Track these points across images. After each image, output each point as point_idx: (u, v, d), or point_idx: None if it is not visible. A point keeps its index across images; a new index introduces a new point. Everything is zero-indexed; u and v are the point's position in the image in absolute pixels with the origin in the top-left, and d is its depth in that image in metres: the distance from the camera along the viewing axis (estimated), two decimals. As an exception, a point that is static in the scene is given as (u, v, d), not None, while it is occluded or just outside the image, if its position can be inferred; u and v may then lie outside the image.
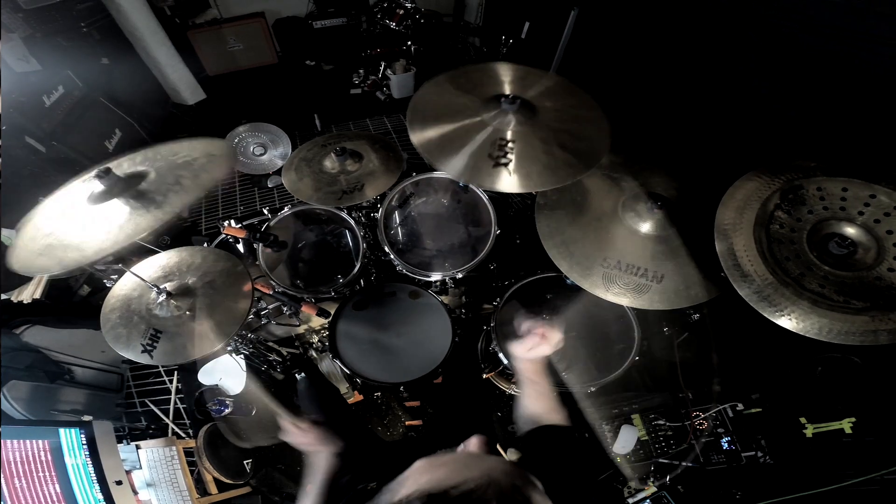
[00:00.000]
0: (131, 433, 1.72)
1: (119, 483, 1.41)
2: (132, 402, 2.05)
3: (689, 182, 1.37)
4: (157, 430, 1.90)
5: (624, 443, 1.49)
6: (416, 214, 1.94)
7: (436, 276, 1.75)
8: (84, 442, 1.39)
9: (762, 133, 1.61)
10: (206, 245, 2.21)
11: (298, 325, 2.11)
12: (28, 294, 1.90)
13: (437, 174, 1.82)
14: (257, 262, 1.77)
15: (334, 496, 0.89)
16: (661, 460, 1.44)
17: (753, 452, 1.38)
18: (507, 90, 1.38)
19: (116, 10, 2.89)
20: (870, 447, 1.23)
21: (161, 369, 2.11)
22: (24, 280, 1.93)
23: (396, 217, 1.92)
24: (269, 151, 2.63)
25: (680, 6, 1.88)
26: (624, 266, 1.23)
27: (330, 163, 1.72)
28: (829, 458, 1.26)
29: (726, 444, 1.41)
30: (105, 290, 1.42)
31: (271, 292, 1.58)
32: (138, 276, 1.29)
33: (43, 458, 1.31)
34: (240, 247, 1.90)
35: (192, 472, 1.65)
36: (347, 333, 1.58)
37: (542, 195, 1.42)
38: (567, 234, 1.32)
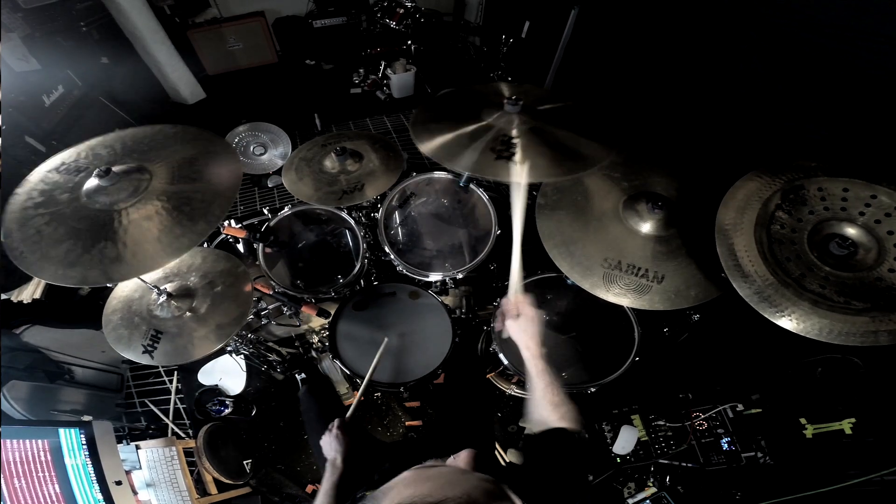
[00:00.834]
0: (131, 433, 1.72)
1: (119, 483, 1.41)
2: (132, 403, 2.05)
3: (689, 182, 1.37)
4: (156, 431, 1.90)
5: (624, 443, 1.49)
6: (416, 214, 1.94)
7: (436, 277, 1.75)
8: (84, 442, 1.39)
9: (762, 133, 1.61)
10: (206, 245, 2.21)
11: (298, 326, 2.11)
12: (28, 294, 1.90)
13: (437, 174, 1.82)
14: (257, 263, 1.77)
15: (342, 498, 0.92)
16: (661, 460, 1.45)
17: (753, 453, 1.39)
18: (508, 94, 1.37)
19: (116, 9, 2.88)
20: (870, 447, 1.23)
21: (161, 369, 2.11)
22: (24, 280, 1.93)
23: (397, 217, 1.92)
24: (269, 151, 2.62)
25: (680, 5, 1.88)
26: (624, 266, 1.23)
27: (330, 163, 1.72)
28: (829, 459, 1.27)
29: (726, 445, 1.42)
30: (106, 291, 1.42)
31: (271, 292, 1.58)
32: (139, 278, 1.29)
33: (43, 459, 1.31)
34: (240, 247, 1.90)
35: (191, 472, 1.65)
36: (347, 334, 1.58)
37: (542, 195, 1.42)
38: (567, 235, 1.32)
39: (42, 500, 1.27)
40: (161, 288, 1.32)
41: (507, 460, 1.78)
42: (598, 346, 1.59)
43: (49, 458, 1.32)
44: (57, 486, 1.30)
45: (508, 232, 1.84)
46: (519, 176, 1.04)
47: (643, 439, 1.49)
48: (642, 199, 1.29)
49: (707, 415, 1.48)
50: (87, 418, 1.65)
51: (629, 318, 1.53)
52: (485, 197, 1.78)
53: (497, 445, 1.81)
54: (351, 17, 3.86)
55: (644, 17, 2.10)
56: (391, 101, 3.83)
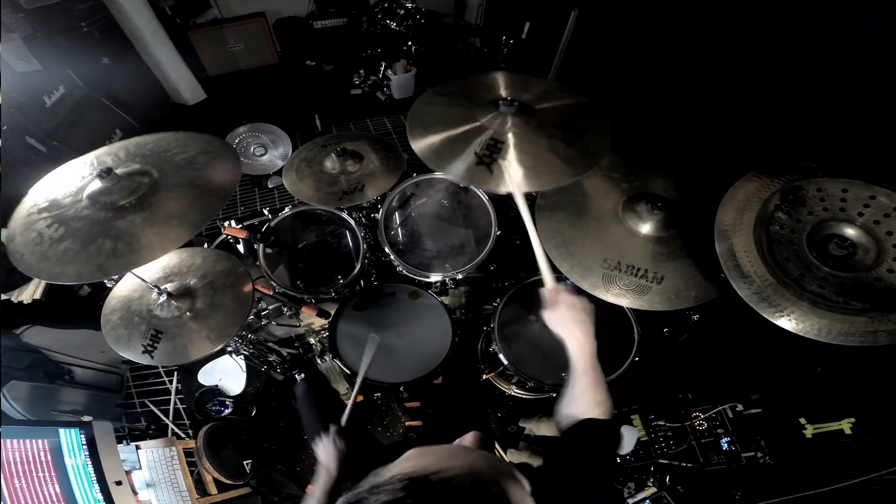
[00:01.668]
0: (131, 433, 1.72)
1: (119, 483, 1.41)
2: (132, 403, 2.05)
3: (689, 183, 1.37)
4: (156, 431, 1.90)
5: (624, 443, 1.49)
6: (416, 215, 1.94)
7: (436, 277, 1.75)
8: (84, 442, 1.40)
9: (762, 133, 1.62)
10: (206, 246, 2.21)
11: (299, 326, 2.11)
12: (28, 294, 1.90)
13: (437, 175, 1.82)
14: (257, 263, 1.77)
15: (334, 498, 0.91)
16: (661, 460, 1.45)
17: (753, 453, 1.39)
18: (504, 94, 1.37)
19: (117, 9, 2.89)
20: (869, 447, 1.23)
21: (161, 370, 2.11)
22: (24, 280, 1.93)
23: (397, 218, 1.92)
24: (270, 152, 2.63)
25: (680, 6, 1.88)
26: (624, 267, 1.23)
27: (330, 163, 1.72)
28: (829, 459, 1.27)
29: (726, 445, 1.42)
30: (105, 291, 1.43)
31: (271, 293, 1.58)
32: (139, 278, 1.29)
33: (43, 459, 1.31)
34: (240, 247, 1.90)
35: (191, 472, 1.65)
36: (347, 334, 1.58)
37: (542, 196, 1.42)
38: (567, 235, 1.32)
39: (42, 500, 1.27)
40: (161, 288, 1.32)
41: (507, 461, 1.78)
42: (597, 346, 1.59)
43: (49, 458, 1.32)
44: (57, 486, 1.30)
45: (508, 232, 1.84)
46: (511, 180, 1.02)
47: (643, 439, 1.49)
48: (642, 200, 1.29)
49: (707, 415, 1.48)
50: (87, 418, 1.65)
51: (629, 318, 1.53)
52: (485, 197, 1.78)
53: (497, 445, 1.81)
54: (351, 17, 3.87)
55: (644, 18, 2.11)
56: (391, 102, 3.84)
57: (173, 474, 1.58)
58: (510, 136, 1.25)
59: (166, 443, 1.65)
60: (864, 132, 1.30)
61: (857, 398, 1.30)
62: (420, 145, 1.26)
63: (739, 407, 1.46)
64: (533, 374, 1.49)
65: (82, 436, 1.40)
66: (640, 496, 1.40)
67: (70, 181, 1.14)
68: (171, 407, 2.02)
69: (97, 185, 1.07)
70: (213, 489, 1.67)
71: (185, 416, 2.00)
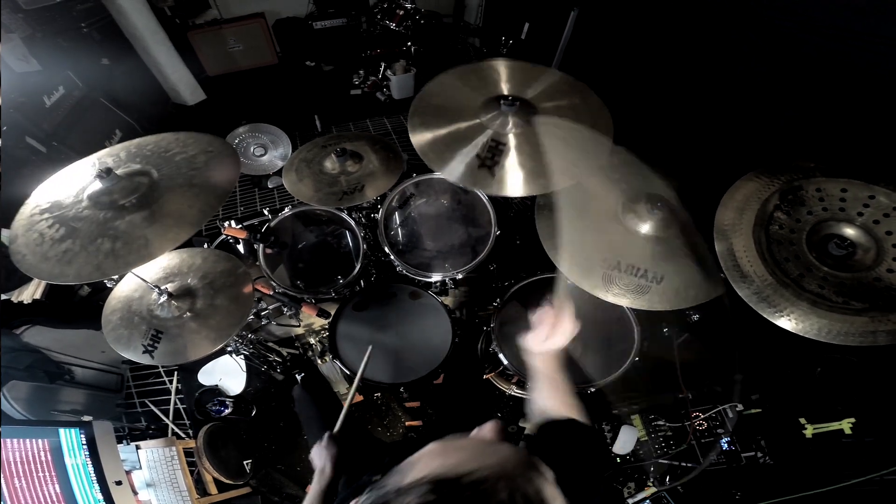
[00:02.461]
0: (131, 433, 1.72)
1: (119, 483, 1.41)
2: (132, 403, 2.05)
3: (689, 182, 1.37)
4: (157, 431, 1.90)
5: (624, 443, 1.49)
6: (416, 215, 1.94)
7: (436, 277, 1.75)
8: (84, 442, 1.39)
9: (762, 133, 1.62)
10: (206, 246, 2.21)
11: (298, 326, 2.11)
12: (28, 294, 1.90)
13: (437, 175, 1.83)
14: (257, 263, 1.77)
15: (329, 498, 0.91)
16: (661, 460, 1.45)
17: (753, 453, 1.39)
18: (506, 89, 1.37)
19: (116, 10, 2.89)
20: (869, 447, 1.23)
21: (161, 369, 2.11)
22: (24, 280, 1.93)
23: (396, 218, 1.93)
24: (270, 152, 2.63)
25: (680, 6, 1.88)
26: (624, 267, 1.23)
27: (330, 164, 1.72)
28: (829, 459, 1.27)
29: (726, 445, 1.42)
30: (106, 291, 1.43)
31: (271, 293, 1.58)
32: (140, 278, 1.29)
33: (43, 458, 1.31)
34: (240, 247, 1.90)
35: (191, 472, 1.65)
36: (347, 334, 1.58)
37: (542, 196, 1.42)
38: (567, 235, 1.32)
39: (42, 500, 1.27)
40: (161, 288, 1.32)
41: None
42: (598, 346, 1.59)
43: (49, 458, 1.32)
44: (57, 486, 1.30)
45: (508, 232, 1.84)
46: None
47: (643, 439, 1.49)
48: (641, 200, 1.29)
49: (707, 415, 1.48)
50: (87, 418, 1.65)
51: (629, 318, 1.53)
52: (485, 197, 1.78)
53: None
54: (351, 18, 3.87)
55: (644, 19, 2.11)
56: (391, 103, 3.84)
57: (173, 474, 1.58)
58: (511, 136, 1.25)
59: (166, 443, 1.65)
60: (864, 132, 1.30)
61: (857, 398, 1.30)
62: (420, 140, 1.27)
63: (740, 407, 1.46)
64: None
65: (82, 436, 1.40)
66: (640, 496, 1.40)
67: (72, 183, 1.14)
68: (171, 407, 2.02)
69: (97, 185, 1.07)
70: (213, 489, 1.67)
71: (185, 416, 2.00)
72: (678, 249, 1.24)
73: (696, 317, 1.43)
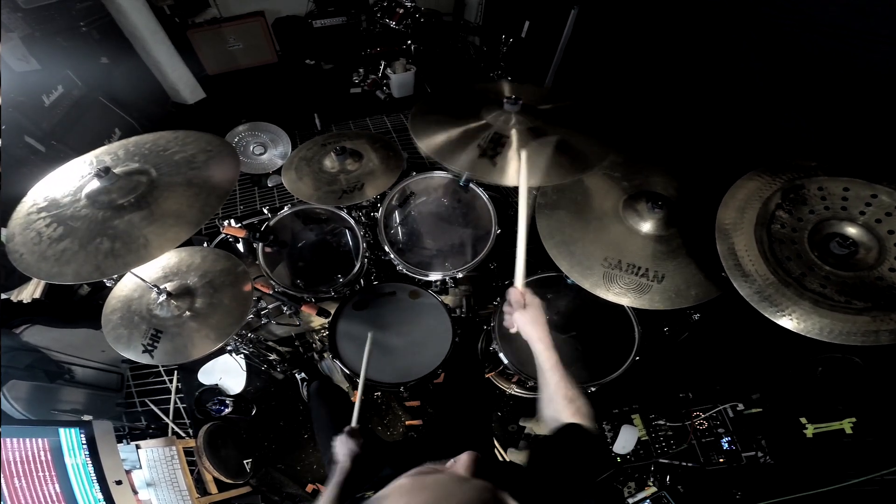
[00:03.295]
0: (131, 433, 1.72)
1: (119, 483, 1.41)
2: (132, 402, 2.05)
3: (689, 182, 1.37)
4: (157, 430, 1.90)
5: (624, 443, 1.49)
6: (416, 214, 1.94)
7: (436, 276, 1.75)
8: (84, 442, 1.39)
9: (762, 132, 1.61)
10: (205, 245, 2.20)
11: (298, 325, 2.11)
12: (28, 294, 1.90)
13: (437, 173, 1.82)
14: (257, 262, 1.77)
15: (345, 496, 0.92)
16: (661, 460, 1.44)
17: (753, 452, 1.38)
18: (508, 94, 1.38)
19: (116, 9, 2.88)
20: (870, 447, 1.23)
21: (161, 369, 2.11)
22: (24, 280, 1.93)
23: (396, 216, 1.92)
24: (269, 151, 2.62)
25: (680, 5, 1.88)
26: (624, 266, 1.23)
27: (330, 162, 1.72)
28: (830, 459, 1.26)
29: (726, 444, 1.41)
30: (105, 290, 1.42)
31: (271, 292, 1.58)
32: (139, 277, 1.29)
33: (43, 458, 1.31)
34: (239, 246, 1.90)
35: (192, 471, 1.65)
36: (347, 333, 1.58)
37: (542, 195, 1.42)
38: (567, 234, 1.32)
39: (42, 499, 1.27)
40: (161, 287, 1.32)
41: (508, 460, 1.78)
42: (598, 346, 1.59)
43: (49, 457, 1.32)
44: (57, 486, 1.30)
45: (509, 231, 1.84)
46: (519, 168, 1.01)
47: (643, 439, 1.49)
48: (642, 199, 1.29)
49: (707, 414, 1.48)
50: (87, 418, 1.66)
51: (629, 317, 1.53)
52: (485, 196, 1.77)
53: (497, 445, 1.81)
54: (351, 16, 3.86)
55: (644, 17, 2.10)
56: (391, 101, 3.83)
57: (173, 473, 1.58)
58: (514, 132, 1.25)
59: (166, 442, 1.65)
60: (865, 131, 1.30)
61: (857, 398, 1.29)
62: (428, 145, 1.28)
63: (740, 406, 1.46)
64: (533, 372, 1.48)
65: (82, 435, 1.40)
66: (640, 496, 1.40)
67: (69, 181, 1.13)
68: (172, 406, 2.02)
69: (95, 184, 1.07)
70: (213, 488, 1.67)
71: (185, 416, 2.00)
72: (679, 248, 1.24)
73: (696, 316, 1.43)
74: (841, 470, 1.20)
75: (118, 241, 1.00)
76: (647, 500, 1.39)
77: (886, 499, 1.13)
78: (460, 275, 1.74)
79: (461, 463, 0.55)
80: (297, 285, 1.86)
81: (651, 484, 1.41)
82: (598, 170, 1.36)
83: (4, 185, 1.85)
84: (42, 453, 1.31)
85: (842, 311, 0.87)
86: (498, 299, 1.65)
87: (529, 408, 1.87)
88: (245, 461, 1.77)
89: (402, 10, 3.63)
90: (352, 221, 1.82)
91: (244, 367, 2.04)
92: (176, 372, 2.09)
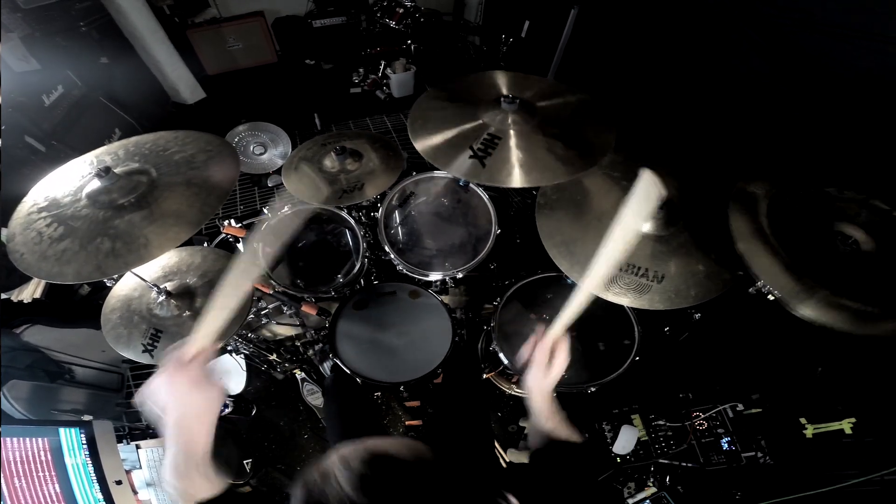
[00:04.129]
0: (131, 433, 1.72)
1: (119, 483, 1.41)
2: (132, 402, 2.05)
3: (689, 182, 1.37)
4: (157, 430, 1.90)
5: (624, 443, 1.49)
6: (416, 214, 1.94)
7: (436, 276, 1.74)
8: (84, 442, 1.39)
9: (762, 132, 1.61)
10: (205, 245, 2.21)
11: (298, 325, 2.11)
12: (28, 294, 1.90)
13: (437, 173, 1.82)
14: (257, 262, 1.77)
15: None
16: (661, 460, 1.44)
17: (753, 453, 1.38)
18: (505, 91, 1.38)
19: (115, 9, 2.88)
20: (870, 447, 1.23)
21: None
22: (24, 280, 1.93)
23: (396, 216, 1.92)
24: (269, 151, 2.62)
25: (680, 5, 1.88)
26: (624, 266, 1.23)
27: (330, 162, 1.72)
28: (829, 459, 1.26)
29: (726, 445, 1.41)
30: (105, 290, 1.42)
31: (271, 292, 1.58)
32: (139, 277, 1.29)
33: (43, 458, 1.31)
34: (240, 246, 1.90)
35: (192, 471, 1.65)
36: (347, 333, 1.58)
37: (542, 195, 1.42)
38: (567, 234, 1.32)
39: (42, 499, 1.27)
40: (161, 286, 1.32)
41: (508, 460, 1.78)
42: (598, 346, 1.59)
43: (49, 457, 1.32)
44: (57, 486, 1.30)
45: (508, 231, 1.84)
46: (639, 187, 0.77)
47: (643, 439, 1.49)
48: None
49: (707, 415, 1.48)
50: (87, 418, 1.66)
51: (629, 317, 1.53)
52: (485, 196, 1.77)
53: (497, 445, 1.81)
54: (350, 16, 3.86)
55: (644, 17, 2.10)
56: (391, 101, 3.83)
57: (173, 474, 1.58)
58: (511, 132, 1.25)
59: (166, 442, 1.65)
60: (865, 131, 1.30)
61: (857, 398, 1.29)
62: (423, 145, 1.27)
63: (740, 407, 1.46)
64: (533, 373, 1.49)
65: (82, 435, 1.40)
66: (640, 496, 1.40)
67: (70, 181, 1.13)
68: (171, 406, 2.02)
69: (96, 184, 1.07)
70: (213, 488, 1.67)
71: (185, 416, 2.00)
72: (679, 248, 1.24)
73: (697, 316, 1.43)
74: (841, 470, 1.20)
75: (119, 240, 1.00)
76: (647, 501, 1.39)
77: (886, 499, 1.13)
78: (460, 275, 1.74)
79: None
80: (298, 285, 1.86)
81: (651, 484, 1.41)
82: (597, 170, 1.36)
83: (4, 185, 1.85)
84: (42, 453, 1.31)
85: (841, 311, 0.88)
86: (498, 299, 1.65)
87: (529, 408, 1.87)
88: (245, 461, 1.77)
89: (401, 10, 3.63)
90: (352, 221, 1.82)
91: (244, 368, 2.04)
92: (176, 372, 2.09)
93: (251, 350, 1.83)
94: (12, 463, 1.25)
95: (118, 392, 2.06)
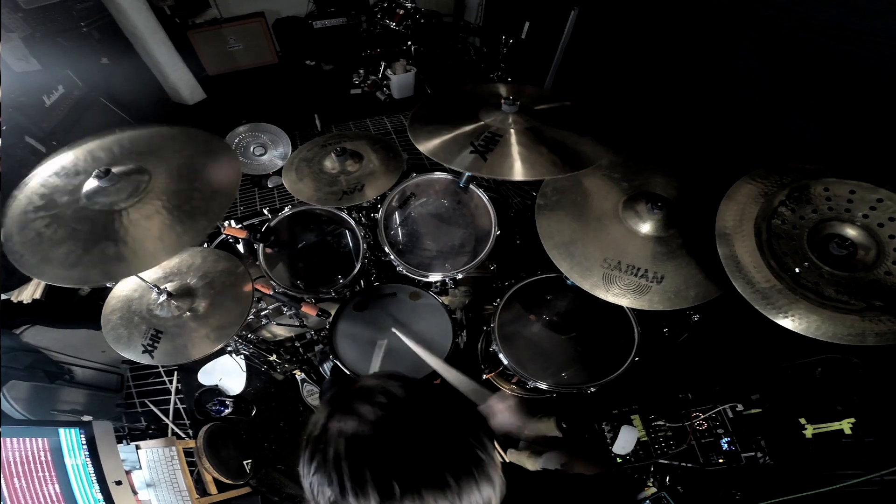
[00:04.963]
0: (131, 433, 1.72)
1: (119, 483, 1.41)
2: (132, 403, 2.05)
3: (689, 182, 1.37)
4: (156, 431, 1.90)
5: (624, 443, 1.49)
6: (416, 215, 1.94)
7: (436, 277, 1.75)
8: (84, 442, 1.39)
9: (762, 133, 1.61)
10: (206, 245, 2.21)
11: (298, 326, 2.11)
12: (28, 294, 1.90)
13: (437, 174, 1.82)
14: (257, 263, 1.77)
15: None
16: (661, 460, 1.44)
17: (753, 453, 1.38)
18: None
19: (116, 9, 2.89)
20: (870, 448, 1.23)
21: (161, 369, 2.11)
22: (24, 280, 1.93)
23: (396, 217, 1.92)
24: (270, 152, 2.62)
25: (680, 5, 1.88)
26: (624, 267, 1.23)
27: (330, 163, 1.72)
28: (829, 459, 1.26)
29: (726, 445, 1.41)
30: (105, 290, 1.42)
31: (271, 293, 1.58)
32: (139, 277, 1.29)
33: (43, 458, 1.31)
34: (240, 247, 1.90)
35: (191, 472, 1.65)
36: (347, 334, 1.58)
37: (541, 196, 1.42)
38: (567, 235, 1.32)
39: (42, 499, 1.27)
40: (161, 287, 1.32)
41: (507, 460, 1.78)
42: (597, 346, 1.59)
43: (49, 457, 1.32)
44: (57, 486, 1.30)
45: (508, 232, 1.84)
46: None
47: (643, 439, 1.49)
48: (642, 200, 1.29)
49: (707, 415, 1.48)
50: (87, 418, 1.65)
51: (629, 318, 1.53)
52: (485, 197, 1.78)
53: (497, 445, 1.80)
54: (351, 17, 3.87)
55: (644, 18, 2.11)
56: (391, 102, 3.83)
57: (173, 474, 1.58)
58: (512, 132, 1.26)
59: (166, 443, 1.65)
60: (866, 131, 1.30)
61: (857, 398, 1.29)
62: (427, 147, 1.29)
63: (740, 407, 1.46)
64: (533, 373, 1.49)
65: (82, 435, 1.40)
66: (640, 496, 1.40)
67: (64, 178, 1.12)
68: (171, 407, 2.02)
69: (94, 184, 1.06)
70: (213, 489, 1.67)
71: (185, 416, 2.00)
72: (678, 249, 1.24)
73: (696, 316, 1.43)
74: (841, 470, 1.20)
75: (122, 244, 1.00)
76: (647, 501, 1.39)
77: (886, 499, 1.13)
78: (460, 276, 1.75)
79: None
80: (298, 286, 1.86)
81: (651, 484, 1.41)
82: (597, 170, 1.36)
83: (5, 185, 1.85)
84: (42, 453, 1.31)
85: (832, 310, 0.88)
86: (498, 300, 1.65)
87: (529, 408, 1.87)
88: (245, 462, 1.76)
89: (402, 11, 3.64)
90: (352, 222, 1.82)
91: (244, 368, 2.04)
92: (176, 372, 2.09)
93: (251, 351, 1.83)
94: (12, 463, 1.25)
95: (118, 392, 2.06)
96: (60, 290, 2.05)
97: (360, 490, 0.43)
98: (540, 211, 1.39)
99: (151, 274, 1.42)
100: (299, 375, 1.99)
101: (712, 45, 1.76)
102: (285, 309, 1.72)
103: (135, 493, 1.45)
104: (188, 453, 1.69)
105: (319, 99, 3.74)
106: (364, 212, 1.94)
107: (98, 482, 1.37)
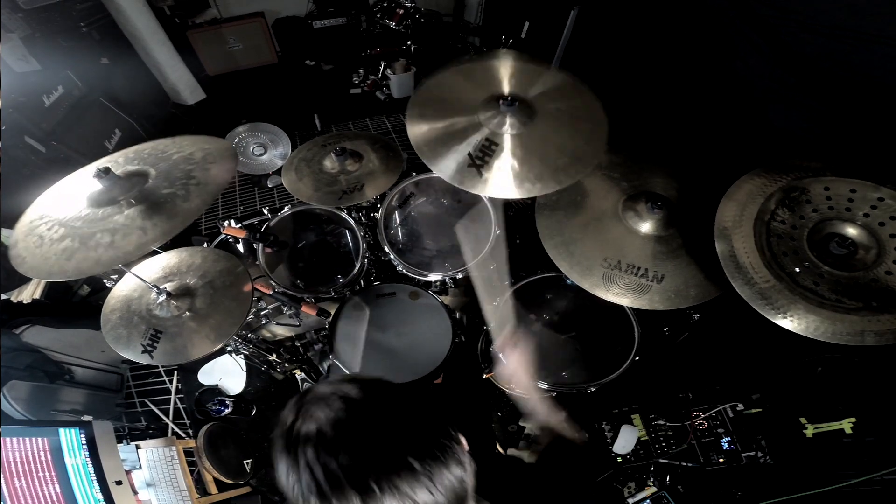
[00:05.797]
0: (131, 433, 1.72)
1: (119, 483, 1.41)
2: (132, 402, 2.05)
3: (689, 182, 1.37)
4: (156, 430, 1.90)
5: (624, 443, 1.49)
6: (416, 214, 1.94)
7: (436, 277, 1.75)
8: (84, 442, 1.39)
9: (762, 133, 1.61)
10: (205, 245, 2.20)
11: (298, 325, 2.11)
12: (28, 294, 1.90)
13: (437, 174, 1.82)
14: (257, 262, 1.77)
15: None
16: (661, 460, 1.44)
17: (753, 452, 1.38)
18: (508, 87, 1.37)
19: (116, 9, 2.89)
20: (870, 447, 1.23)
21: (161, 369, 2.11)
22: (24, 280, 1.93)
23: (396, 217, 1.92)
24: (269, 151, 2.63)
25: (680, 6, 1.88)
26: (624, 266, 1.23)
27: (330, 163, 1.72)
28: (829, 459, 1.26)
29: (726, 445, 1.41)
30: (105, 290, 1.42)
31: (271, 292, 1.58)
32: (139, 277, 1.29)
33: (43, 458, 1.31)
34: (240, 247, 1.90)
35: (192, 472, 1.65)
36: (347, 334, 1.58)
37: (542, 195, 1.41)
38: (567, 235, 1.32)
39: (42, 499, 1.27)
40: (160, 287, 1.32)
41: (506, 454, 1.78)
42: (598, 346, 1.59)
43: (49, 457, 1.32)
44: (57, 486, 1.30)
45: (508, 232, 1.84)
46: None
47: (643, 439, 1.49)
48: (642, 199, 1.29)
49: (707, 414, 1.48)
50: (87, 418, 1.66)
51: (629, 317, 1.53)
52: (485, 197, 1.77)
53: (497, 445, 1.80)
54: (351, 17, 3.86)
55: (644, 18, 2.10)
56: (391, 102, 3.83)
57: (173, 474, 1.58)
58: (507, 137, 1.25)
59: (166, 442, 1.65)
60: (866, 132, 1.30)
61: (857, 398, 1.29)
62: (417, 132, 1.27)
63: (740, 406, 1.46)
64: (533, 374, 1.49)
65: (82, 435, 1.40)
66: (640, 496, 1.40)
67: (74, 196, 1.14)
68: (171, 406, 2.02)
69: (96, 185, 1.07)
70: (213, 489, 1.67)
71: (185, 416, 2.00)
72: (678, 248, 1.24)
73: (696, 316, 1.43)
74: (841, 470, 1.20)
75: (118, 233, 1.00)
76: (647, 500, 1.39)
77: (886, 499, 1.13)
78: (460, 275, 1.75)
79: None
80: (297, 286, 1.86)
81: (651, 484, 1.41)
82: (597, 170, 1.36)
83: (4, 185, 1.85)
84: (42, 453, 1.31)
85: (830, 309, 0.88)
86: (498, 299, 1.65)
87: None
88: (245, 461, 1.76)
89: (402, 11, 3.63)
90: (352, 222, 1.82)
91: (244, 368, 2.04)
92: (176, 372, 2.09)
93: (251, 350, 1.83)
94: (12, 463, 1.25)
95: (118, 392, 2.06)
96: (60, 290, 2.05)
97: (340, 492, 0.46)
98: (540, 210, 1.39)
99: (151, 274, 1.42)
100: (299, 375, 1.99)
101: (712, 45, 1.76)
102: (285, 308, 1.72)
103: (135, 492, 1.45)
104: (188, 453, 1.69)
105: (319, 99, 3.73)
106: (364, 211, 1.94)
107: (98, 482, 1.37)
